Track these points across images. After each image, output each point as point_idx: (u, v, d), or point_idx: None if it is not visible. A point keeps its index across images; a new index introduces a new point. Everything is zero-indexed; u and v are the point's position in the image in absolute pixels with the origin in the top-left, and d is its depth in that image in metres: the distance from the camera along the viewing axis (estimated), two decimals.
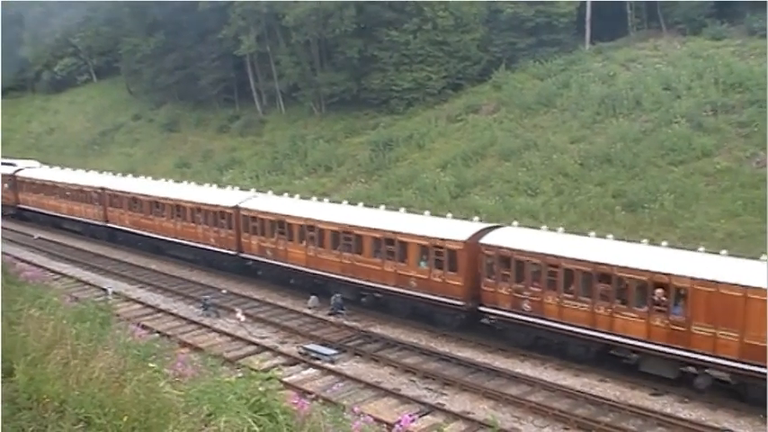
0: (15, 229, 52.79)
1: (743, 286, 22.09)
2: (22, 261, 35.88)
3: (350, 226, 32.68)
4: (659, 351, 24.10)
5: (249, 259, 37.75)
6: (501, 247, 27.75)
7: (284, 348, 28.53)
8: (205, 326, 31.47)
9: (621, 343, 25.21)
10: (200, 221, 40.09)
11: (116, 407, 7.98)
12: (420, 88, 52.42)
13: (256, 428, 7.93)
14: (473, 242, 28.62)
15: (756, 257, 24.80)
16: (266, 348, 28.49)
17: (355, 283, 32.70)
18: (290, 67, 57.45)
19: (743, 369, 22.34)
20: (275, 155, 55.21)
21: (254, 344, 29.03)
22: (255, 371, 10.60)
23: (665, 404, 22.86)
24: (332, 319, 31.79)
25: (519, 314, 27.37)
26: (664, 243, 26.76)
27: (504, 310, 27.82)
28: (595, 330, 25.45)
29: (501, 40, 52.68)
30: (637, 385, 24.19)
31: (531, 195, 38.65)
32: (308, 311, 32.95)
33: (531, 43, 52.01)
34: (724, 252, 24.74)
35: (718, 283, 22.60)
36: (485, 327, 28.89)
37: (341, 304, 32.19)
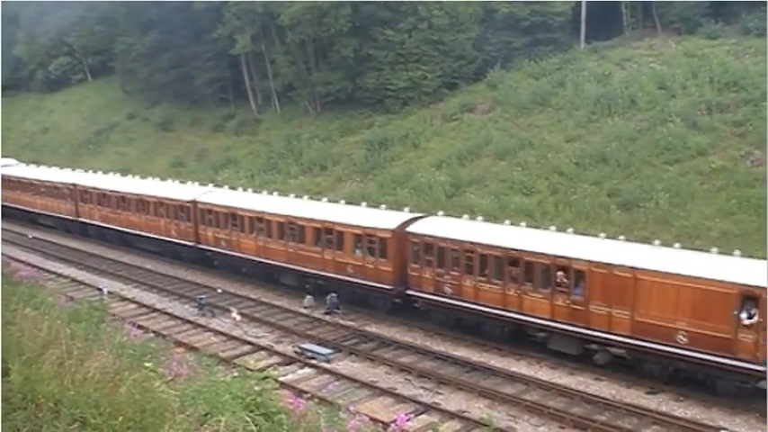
0: (10, 228, 52.69)
1: (632, 268, 24.22)
2: (17, 261, 35.83)
3: (294, 217, 34.94)
4: (563, 329, 26.17)
5: (206, 250, 39.90)
6: (425, 235, 30.03)
7: (280, 348, 28.54)
8: (200, 325, 31.47)
9: (530, 322, 27.22)
10: (162, 215, 42.33)
11: (111, 407, 7.96)
12: (415, 87, 52.41)
13: (253, 428, 7.92)
14: (401, 231, 30.84)
15: (752, 256, 24.93)
16: (262, 348, 28.50)
17: (299, 270, 34.83)
18: (286, 67, 57.40)
19: (635, 345, 24.44)
20: (270, 154, 55.17)
21: (249, 343, 29.03)
22: (251, 370, 10.62)
23: (661, 402, 22.90)
24: (327, 318, 31.82)
25: (441, 297, 29.56)
26: (621, 238, 27.94)
27: (429, 294, 29.99)
28: (507, 311, 27.61)
29: (496, 40, 52.69)
30: (632, 384, 24.25)
31: (527, 194, 38.65)
32: (304, 311, 32.97)
33: (527, 42, 52.02)
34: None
35: (611, 265, 24.74)
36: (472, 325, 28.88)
37: (336, 304, 32.21)
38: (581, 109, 43.06)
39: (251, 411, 8.53)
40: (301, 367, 26.64)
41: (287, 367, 26.43)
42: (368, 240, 31.90)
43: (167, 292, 36.73)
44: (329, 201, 37.53)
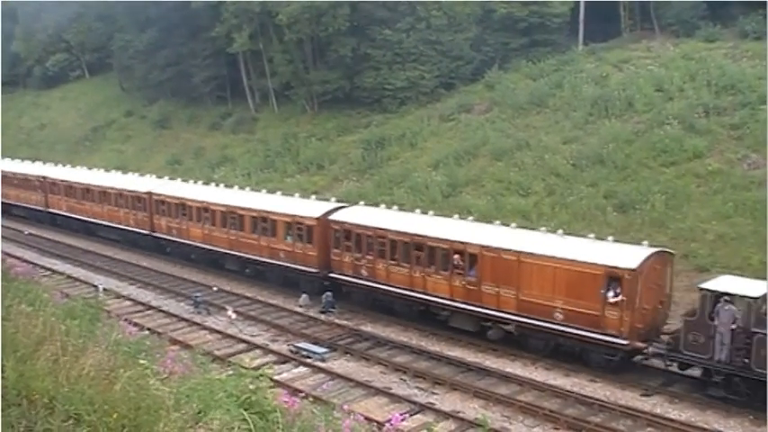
0: (5, 224, 52.61)
1: (517, 252, 26.99)
2: (12, 257, 35.73)
3: (234, 207, 38.29)
4: (461, 308, 29.01)
5: (160, 238, 43.28)
6: (344, 223, 33.17)
7: (275, 346, 28.57)
8: (196, 323, 31.50)
9: (433, 301, 30.08)
10: (121, 205, 45.80)
11: (106, 404, 7.95)
12: (413, 87, 52.40)
13: (250, 426, 7.91)
14: (324, 219, 33.94)
15: (748, 258, 25.03)
16: (257, 346, 28.52)
17: (240, 256, 38.10)
18: (283, 65, 57.36)
19: (520, 321, 27.16)
20: (267, 153, 55.14)
21: (244, 342, 29.06)
22: (246, 369, 10.57)
23: (655, 404, 22.92)
24: (323, 317, 31.86)
25: (359, 279, 32.55)
26: (514, 225, 30.46)
27: (348, 276, 32.99)
28: (414, 291, 30.47)
29: (494, 40, 52.71)
30: (627, 385, 24.29)
31: (523, 195, 38.66)
32: (299, 310, 33.00)
33: (524, 43, 52.05)
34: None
35: (499, 249, 27.55)
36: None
37: (332, 303, 32.26)
38: (578, 110, 43.08)
39: (245, 410, 8.52)
40: (296, 366, 26.65)
41: (282, 366, 26.46)
42: (297, 228, 35.06)
43: (163, 290, 36.74)
44: (275, 192, 40.19)
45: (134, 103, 74.95)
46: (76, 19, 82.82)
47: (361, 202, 36.09)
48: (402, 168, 45.59)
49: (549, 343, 26.77)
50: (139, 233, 44.41)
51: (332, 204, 35.68)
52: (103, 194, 47.03)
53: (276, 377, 23.31)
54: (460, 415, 22.08)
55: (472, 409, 22.70)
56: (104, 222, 47.34)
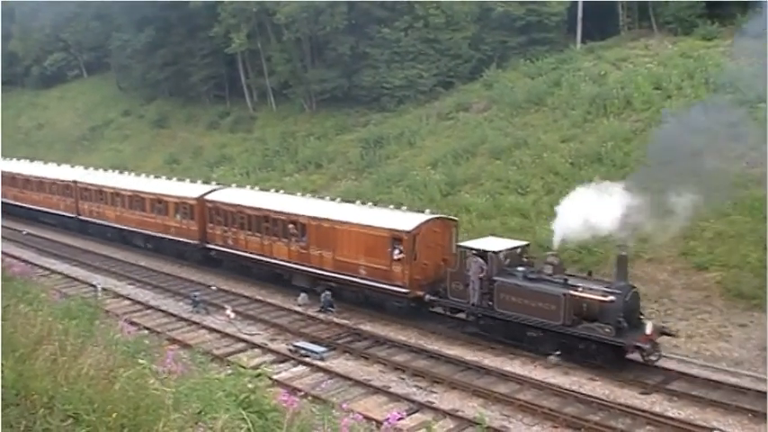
0: (3, 224, 52.59)
1: (332, 220, 33.08)
2: (10, 257, 35.71)
3: (137, 191, 44.55)
4: (297, 269, 34.90)
5: (84, 221, 49.70)
6: (215, 201, 39.51)
7: (274, 346, 28.58)
8: (194, 323, 31.51)
9: (278, 264, 35.97)
10: (54, 192, 52.19)
11: (105, 403, 7.93)
12: (411, 86, 52.37)
13: (250, 426, 7.90)
14: (202, 199, 40.19)
15: (746, 256, 25.03)
16: (256, 345, 28.53)
17: (143, 233, 44.40)
18: (281, 64, 57.33)
19: (337, 278, 32.85)
20: (266, 152, 55.13)
21: (243, 341, 29.07)
22: (245, 368, 10.56)
23: (654, 403, 22.92)
24: (321, 316, 31.88)
25: (227, 248, 38.77)
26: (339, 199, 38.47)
27: (220, 246, 39.22)
28: (264, 256, 36.54)
29: (492, 39, 52.69)
30: (626, 384, 24.29)
31: (522, 194, 38.61)
32: (298, 309, 33.02)
33: (522, 42, 52.03)
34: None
35: (320, 218, 33.63)
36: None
37: (330, 302, 32.27)
38: (576, 109, 43.04)
39: (244, 409, 8.51)
40: (295, 365, 26.66)
41: (281, 365, 26.48)
42: (182, 207, 41.29)
43: (161, 289, 36.77)
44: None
45: (132, 103, 74.90)
46: (74, 18, 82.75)
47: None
48: (400, 167, 45.55)
49: (359, 295, 32.65)
50: (67, 217, 50.93)
51: (209, 187, 42.03)
52: (40, 184, 53.41)
53: (275, 376, 23.34)
54: (459, 413, 22.09)
55: (471, 407, 22.69)
56: (44, 209, 53.29)
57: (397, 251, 30.38)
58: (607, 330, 24.92)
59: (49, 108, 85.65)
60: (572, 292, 25.83)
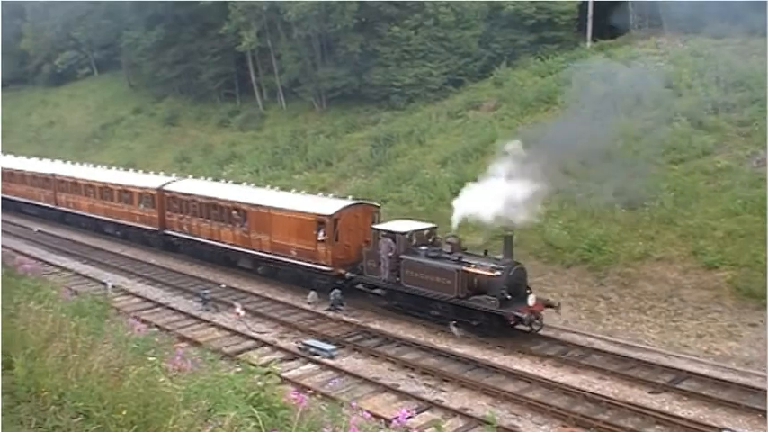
0: (14, 222, 53.02)
1: (268, 206, 36.68)
2: (21, 254, 35.90)
3: (107, 183, 48.27)
4: (241, 251, 38.59)
5: (61, 210, 53.47)
6: (172, 191, 43.06)
7: (283, 343, 28.62)
8: (204, 320, 31.59)
9: (226, 248, 39.45)
10: (34, 185, 56.15)
11: (115, 400, 7.98)
12: (421, 84, 52.31)
13: (260, 424, 7.93)
14: (161, 189, 43.75)
15: (756, 255, 24.97)
16: (265, 343, 28.58)
17: (111, 221, 48.18)
18: (291, 63, 57.37)
19: (274, 259, 36.53)
20: (275, 150, 55.14)
21: (252, 339, 29.13)
22: (254, 365, 10.58)
23: (664, 402, 22.87)
24: (331, 314, 31.90)
25: (183, 234, 42.23)
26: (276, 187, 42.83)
27: (177, 232, 42.75)
28: (214, 240, 40.04)
29: (502, 37, 52.59)
30: (635, 383, 24.25)
31: None
32: (308, 307, 33.05)
33: (533, 40, 51.93)
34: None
35: (258, 206, 37.22)
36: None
37: (340, 300, 32.30)
38: (586, 107, 42.94)
39: (254, 406, 8.54)
40: (304, 363, 26.70)
41: (290, 363, 26.53)
42: (145, 197, 44.74)
43: (171, 287, 36.88)
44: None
45: (142, 101, 75.07)
46: (85, 16, 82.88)
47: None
48: (410, 165, 45.50)
49: (291, 274, 36.00)
50: (46, 207, 54.70)
51: (168, 178, 45.67)
52: (22, 177, 57.42)
53: (284, 374, 23.38)
54: (468, 412, 22.09)
55: (480, 406, 22.69)
56: (25, 200, 57.29)
57: (321, 233, 33.77)
58: (492, 302, 27.76)
59: (59, 106, 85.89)
60: (465, 268, 28.80)
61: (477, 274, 28.61)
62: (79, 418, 7.86)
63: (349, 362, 26.75)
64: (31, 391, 8.58)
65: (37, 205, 55.56)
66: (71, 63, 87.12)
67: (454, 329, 28.74)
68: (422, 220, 34.37)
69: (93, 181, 49.51)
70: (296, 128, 56.79)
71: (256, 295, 35.18)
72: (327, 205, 34.83)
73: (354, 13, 51.99)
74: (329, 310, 32.24)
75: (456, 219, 31.66)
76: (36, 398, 8.47)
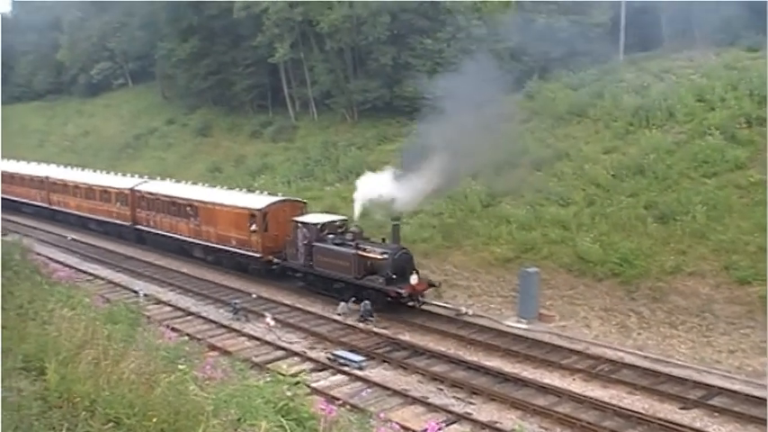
0: (49, 230, 53.67)
1: (213, 203, 42.71)
2: (56, 261, 36.25)
3: (90, 184, 54.64)
4: (194, 243, 44.32)
5: (54, 209, 59.39)
6: (142, 191, 49.05)
7: (313, 354, 28.66)
8: (234, 330, 31.71)
9: (183, 240, 45.16)
10: (32, 187, 61.81)
11: (146, 408, 8.06)
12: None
13: None
14: (133, 189, 49.82)
15: None
16: (295, 353, 28.64)
17: (94, 218, 54.19)
18: (324, 74, 57.59)
19: (219, 248, 42.30)
20: (307, 161, 55.30)
21: (282, 348, 29.21)
22: (284, 375, 10.64)
23: (695, 418, 22.66)
24: (361, 325, 31.90)
25: (150, 228, 48.30)
26: (245, 189, 48.41)
27: (145, 227, 48.86)
28: (174, 234, 45.86)
29: (534, 50, 52.44)
30: (665, 398, 24.05)
31: (563, 205, 38.40)
32: (338, 317, 33.09)
33: (565, 53, 51.72)
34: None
35: (206, 202, 43.19)
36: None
37: (370, 311, 32.32)
38: (618, 120, 42.75)
39: (283, 416, 8.58)
40: (334, 374, 26.72)
41: (319, 373, 26.57)
42: (120, 196, 50.83)
43: (202, 296, 37.09)
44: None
45: (176, 112, 75.67)
46: (120, 28, 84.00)
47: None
48: None
49: (231, 261, 41.80)
50: (42, 206, 60.23)
51: (140, 180, 51.77)
52: (21, 179, 63.33)
53: (313, 384, 23.43)
54: (497, 425, 22.01)
55: (509, 419, 22.61)
56: (23, 200, 62.57)
57: (253, 225, 39.54)
58: (380, 281, 33.02)
59: (95, 116, 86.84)
60: (360, 252, 34.06)
61: (370, 257, 33.82)
62: (110, 425, 7.95)
63: (378, 373, 26.75)
64: (63, 397, 8.68)
65: (33, 205, 61.21)
66: (106, 74, 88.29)
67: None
68: (335, 213, 40.21)
69: (80, 183, 55.83)
70: (327, 139, 56.94)
71: (287, 305, 35.30)
72: (259, 201, 40.56)
73: (386, 26, 52.13)
74: (359, 321, 32.27)
75: (357, 211, 37.56)
76: (68, 404, 8.57)
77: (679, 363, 27.16)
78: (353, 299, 33.46)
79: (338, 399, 21.14)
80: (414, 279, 32.76)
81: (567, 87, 48.73)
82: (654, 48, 50.59)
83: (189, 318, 33.51)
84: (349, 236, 35.35)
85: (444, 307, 34.04)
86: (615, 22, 51.75)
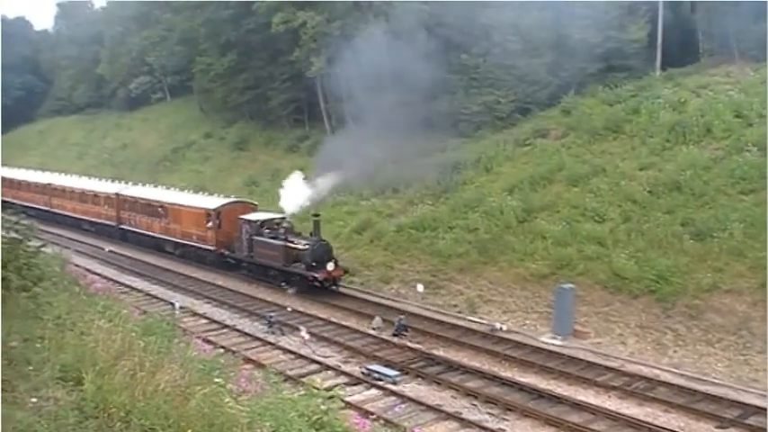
0: (87, 242, 54.29)
1: (179, 204, 49.30)
2: (93, 273, 36.59)
3: (84, 189, 61.99)
4: (165, 239, 50.64)
5: (55, 213, 65.43)
6: (126, 195, 55.60)
7: (347, 368, 28.70)
8: (269, 343, 31.84)
9: (157, 237, 51.26)
10: (36, 192, 69.03)
11: (180, 419, 8.14)
12: (488, 112, 52.17)
13: None
14: (118, 193, 56.58)
15: None
16: (329, 367, 28.69)
17: (86, 219, 61.21)
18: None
19: (184, 243, 48.92)
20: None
21: (317, 362, 29.26)
22: (318, 389, 10.69)
23: None
24: (395, 340, 31.91)
25: (130, 227, 54.91)
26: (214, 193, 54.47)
27: (128, 226, 55.19)
28: (150, 232, 52.19)
29: (570, 65, 52.28)
30: (702, 417, 23.84)
31: (599, 221, 38.21)
32: (372, 332, 33.12)
33: (601, 68, 51.53)
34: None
35: (173, 204, 49.62)
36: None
37: (404, 326, 32.33)
38: (655, 136, 42.48)
39: (317, 430, 8.64)
40: (368, 388, 26.75)
41: (353, 387, 26.58)
42: (108, 200, 57.62)
43: (238, 309, 37.28)
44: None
45: (213, 125, 76.28)
46: (159, 43, 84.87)
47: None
48: (477, 193, 45.39)
49: (192, 254, 47.91)
50: (44, 210, 65.21)
51: (124, 185, 58.88)
52: (27, 185, 70.69)
53: (347, 398, 23.45)
54: None
55: None
56: (28, 204, 63.58)
57: (210, 223, 45.76)
58: (302, 267, 39.20)
59: (133, 129, 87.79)
60: (287, 244, 40.17)
61: (295, 248, 39.88)
62: None
63: (412, 388, 26.75)
64: (100, 408, 8.79)
65: (36, 208, 63.91)
66: (145, 88, 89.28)
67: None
68: (276, 212, 44.76)
69: (75, 188, 63.19)
70: None
71: (321, 319, 35.38)
72: (215, 202, 47.36)
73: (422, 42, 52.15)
74: (394, 335, 32.29)
75: (288, 210, 43.05)
76: (104, 414, 8.68)
77: (715, 381, 26.91)
78: (284, 283, 40.56)
79: (372, 413, 21.14)
80: (330, 266, 38.63)
81: (604, 103, 48.49)
82: (691, 63, 50.25)
83: (224, 330, 33.71)
84: (281, 230, 41.26)
85: (479, 323, 33.99)
86: (652, 37, 51.48)
